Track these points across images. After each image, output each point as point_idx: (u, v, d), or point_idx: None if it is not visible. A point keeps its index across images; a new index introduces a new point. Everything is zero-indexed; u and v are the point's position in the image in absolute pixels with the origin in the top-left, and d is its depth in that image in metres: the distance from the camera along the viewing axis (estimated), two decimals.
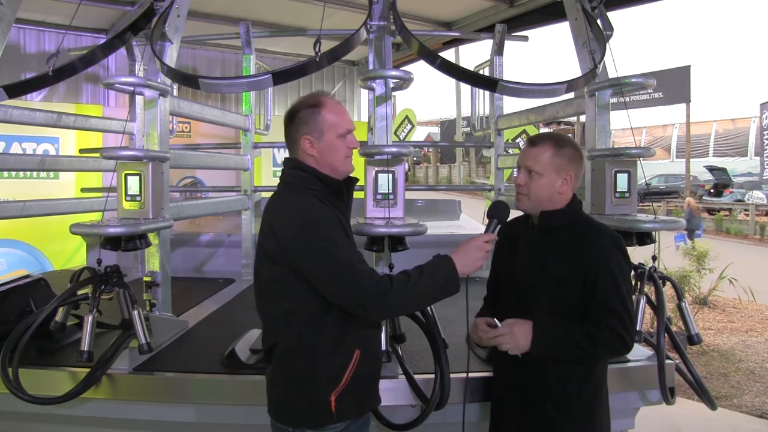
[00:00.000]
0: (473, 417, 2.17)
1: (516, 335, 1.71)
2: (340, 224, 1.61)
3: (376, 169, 2.55)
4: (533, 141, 1.82)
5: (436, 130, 34.96)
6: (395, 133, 8.89)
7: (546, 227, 1.81)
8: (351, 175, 1.76)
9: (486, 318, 1.82)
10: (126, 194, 2.46)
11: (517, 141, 8.10)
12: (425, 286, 1.57)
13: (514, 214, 1.90)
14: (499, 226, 1.78)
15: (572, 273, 1.72)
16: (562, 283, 1.73)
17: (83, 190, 4.86)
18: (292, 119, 1.70)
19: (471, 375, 1.94)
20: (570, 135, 2.11)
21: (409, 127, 9.22)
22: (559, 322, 1.73)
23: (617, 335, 1.67)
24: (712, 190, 20.43)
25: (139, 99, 3.30)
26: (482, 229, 1.80)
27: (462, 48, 13.38)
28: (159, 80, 2.64)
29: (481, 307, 1.99)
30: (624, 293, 1.70)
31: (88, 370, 2.11)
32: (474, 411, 2.16)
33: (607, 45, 2.69)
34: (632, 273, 2.08)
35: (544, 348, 1.71)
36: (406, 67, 7.11)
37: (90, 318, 2.13)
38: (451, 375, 2.04)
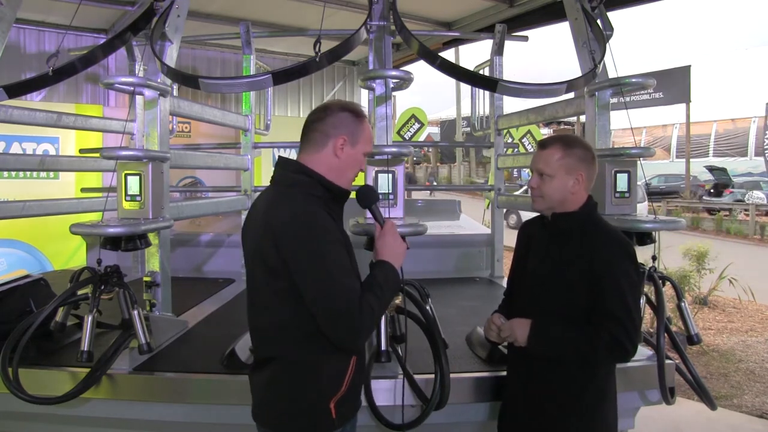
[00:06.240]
0: (482, 417, 2.20)
1: (514, 328, 1.80)
2: (343, 243, 1.58)
3: (376, 169, 2.55)
4: (543, 144, 1.85)
5: (436, 130, 34.91)
6: (399, 132, 8.78)
7: (557, 230, 1.83)
8: None
9: (497, 314, 1.91)
10: (126, 194, 2.46)
11: (522, 141, 8.14)
12: (384, 297, 1.58)
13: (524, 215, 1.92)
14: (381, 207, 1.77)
15: (579, 277, 1.73)
16: (569, 286, 1.74)
17: (83, 190, 4.87)
18: (330, 114, 1.64)
19: (470, 375, 1.94)
20: None
21: (416, 126, 9.05)
22: (559, 322, 1.75)
23: (617, 341, 1.66)
24: (712, 190, 20.37)
25: (139, 99, 3.31)
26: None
27: (462, 48, 13.40)
28: (159, 80, 2.64)
29: (500, 303, 2.06)
30: (628, 300, 1.68)
31: (88, 370, 2.11)
32: (483, 411, 2.19)
33: (607, 45, 2.70)
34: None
35: (539, 344, 1.75)
36: (406, 67, 7.11)
37: (90, 318, 2.13)
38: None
